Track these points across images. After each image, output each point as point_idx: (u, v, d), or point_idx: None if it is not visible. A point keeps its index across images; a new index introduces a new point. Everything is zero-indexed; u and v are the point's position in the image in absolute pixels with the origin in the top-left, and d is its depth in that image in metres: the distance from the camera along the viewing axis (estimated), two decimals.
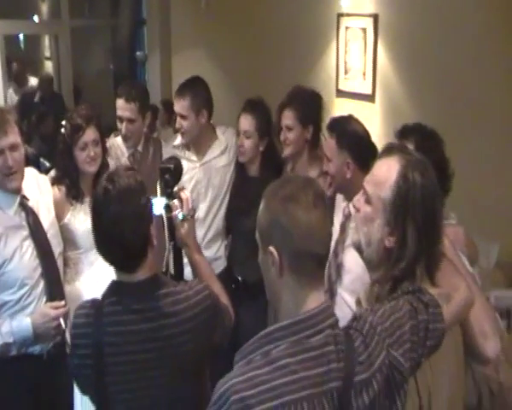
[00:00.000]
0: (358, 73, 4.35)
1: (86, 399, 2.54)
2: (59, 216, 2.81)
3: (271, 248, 1.36)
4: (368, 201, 1.60)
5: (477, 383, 1.85)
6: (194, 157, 3.29)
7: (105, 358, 1.69)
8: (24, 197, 2.56)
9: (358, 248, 1.64)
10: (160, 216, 2.06)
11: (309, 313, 1.34)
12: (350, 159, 2.48)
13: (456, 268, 1.71)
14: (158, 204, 2.01)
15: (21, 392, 2.56)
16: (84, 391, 1.84)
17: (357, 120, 2.65)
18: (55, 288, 2.63)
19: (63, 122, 2.85)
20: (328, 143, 2.57)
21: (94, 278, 2.90)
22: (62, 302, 2.59)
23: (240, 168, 3.25)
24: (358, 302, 1.68)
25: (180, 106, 3.16)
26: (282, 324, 1.34)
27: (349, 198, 2.39)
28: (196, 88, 3.21)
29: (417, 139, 2.11)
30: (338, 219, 2.54)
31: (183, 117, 3.17)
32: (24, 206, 2.55)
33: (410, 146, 2.05)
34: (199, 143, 3.27)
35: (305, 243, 1.34)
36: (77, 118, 2.84)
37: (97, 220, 1.74)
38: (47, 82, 7.81)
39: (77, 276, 2.89)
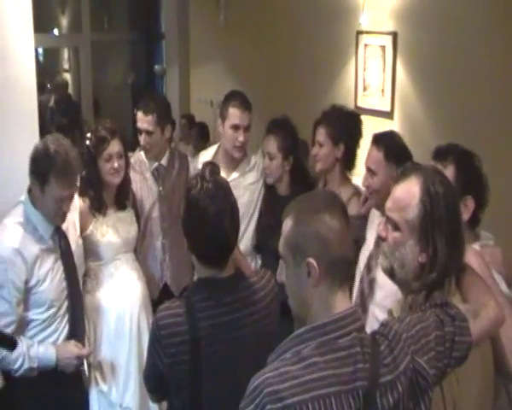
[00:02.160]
0: (377, 90, 4.38)
1: None
2: (82, 228, 2.88)
3: (310, 260, 1.41)
4: (395, 227, 1.64)
5: (511, 400, 1.87)
6: (222, 174, 3.29)
7: (201, 351, 1.80)
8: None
9: (391, 273, 1.68)
10: None
11: (337, 315, 1.42)
12: (396, 170, 2.50)
13: (487, 287, 1.74)
14: None
15: (37, 407, 2.62)
16: (175, 389, 1.89)
17: (399, 135, 2.69)
18: (77, 309, 2.72)
19: (88, 134, 2.91)
20: (375, 156, 2.58)
21: (113, 288, 2.96)
22: (88, 349, 2.71)
23: (269, 187, 3.26)
24: (390, 313, 1.72)
25: (249, 118, 3.18)
26: (313, 325, 1.41)
27: None
28: (250, 102, 3.26)
29: (457, 159, 2.12)
30: (372, 235, 2.55)
31: (248, 129, 3.19)
32: (57, 230, 2.62)
33: (451, 167, 2.08)
34: (232, 158, 3.28)
35: (340, 250, 1.42)
36: (102, 130, 2.90)
37: (199, 217, 1.81)
38: (61, 86, 7.88)
39: (97, 286, 2.95)
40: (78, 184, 2.93)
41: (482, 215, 2.14)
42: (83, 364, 2.69)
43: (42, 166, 2.44)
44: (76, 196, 2.86)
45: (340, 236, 1.42)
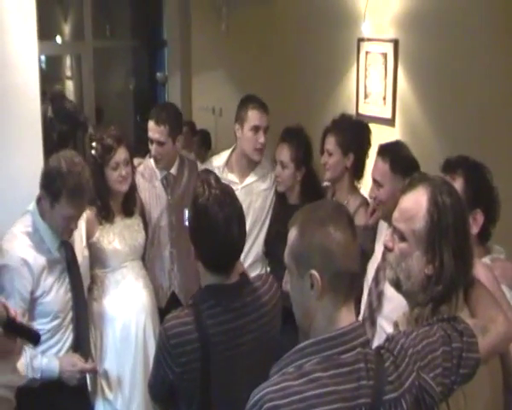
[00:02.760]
0: (378, 98, 4.39)
1: None
2: (88, 234, 2.89)
3: (313, 272, 1.40)
4: (402, 238, 1.62)
5: None
6: (236, 179, 3.29)
7: (211, 357, 1.83)
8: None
9: (397, 285, 1.66)
10: None
11: (341, 330, 1.39)
12: (403, 181, 2.49)
13: (496, 301, 1.70)
14: None
15: None
16: (186, 398, 1.90)
17: (406, 145, 2.67)
18: (81, 320, 2.73)
19: (93, 144, 2.91)
20: (381, 168, 2.56)
21: (120, 296, 2.96)
22: (92, 364, 2.71)
23: (280, 195, 3.27)
24: (396, 326, 1.70)
25: (267, 119, 3.21)
26: (315, 339, 1.39)
27: None
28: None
29: (466, 172, 2.10)
30: (380, 247, 2.52)
31: (266, 130, 3.20)
32: (64, 242, 2.63)
33: (460, 180, 2.07)
34: (246, 164, 3.29)
35: (344, 263, 1.40)
36: (107, 138, 2.90)
37: (208, 224, 1.83)
38: (58, 96, 7.88)
39: (103, 294, 2.96)
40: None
41: (493, 229, 2.11)
42: (86, 379, 2.70)
43: (54, 185, 2.45)
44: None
45: (345, 248, 1.40)
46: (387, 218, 2.39)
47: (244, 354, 1.88)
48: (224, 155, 3.43)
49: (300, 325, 1.50)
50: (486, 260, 2.00)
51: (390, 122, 4.30)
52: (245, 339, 1.88)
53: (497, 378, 1.66)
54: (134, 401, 2.95)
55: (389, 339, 1.47)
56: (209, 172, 2.10)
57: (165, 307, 3.22)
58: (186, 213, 2.03)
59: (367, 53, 4.46)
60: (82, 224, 2.84)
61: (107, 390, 2.91)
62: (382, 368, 1.38)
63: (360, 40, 4.49)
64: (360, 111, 4.54)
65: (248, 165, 3.30)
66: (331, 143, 3.02)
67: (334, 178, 3.07)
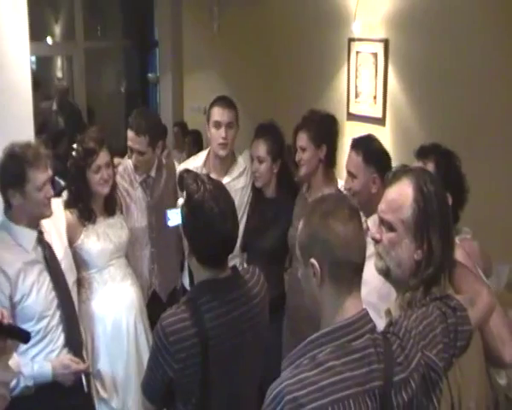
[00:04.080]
0: (369, 97, 4.42)
1: None
2: (72, 239, 2.86)
3: (313, 261, 1.48)
4: (390, 228, 1.69)
5: (495, 390, 1.96)
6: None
7: (210, 350, 1.85)
8: (41, 232, 2.62)
9: (386, 274, 1.73)
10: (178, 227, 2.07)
11: (350, 319, 1.46)
12: (376, 174, 2.60)
13: (477, 276, 1.84)
14: (175, 215, 2.03)
15: None
16: (184, 394, 1.91)
17: (377, 139, 2.78)
18: (70, 318, 2.70)
19: (74, 145, 2.89)
20: (354, 160, 2.66)
21: (108, 295, 2.96)
22: (86, 364, 2.69)
23: (257, 190, 3.33)
24: (388, 313, 1.76)
25: (229, 115, 3.22)
26: (326, 330, 1.46)
27: (368, 214, 2.49)
28: (234, 103, 3.32)
29: (437, 158, 2.26)
30: (373, 220, 2.59)
31: (230, 126, 3.23)
32: (41, 241, 2.61)
33: (430, 165, 2.22)
34: (222, 162, 3.32)
35: (343, 253, 1.46)
36: (89, 141, 2.88)
37: (205, 219, 1.86)
38: (63, 91, 7.88)
39: (92, 295, 2.95)
40: (66, 196, 2.96)
41: (461, 213, 2.25)
42: (81, 378, 2.68)
43: (14, 168, 2.47)
44: (61, 207, 2.86)
45: (344, 240, 1.46)
46: (362, 208, 2.45)
47: (239, 345, 1.91)
48: (202, 155, 3.47)
49: (312, 309, 1.55)
50: (455, 240, 2.08)
51: (380, 121, 4.33)
52: (239, 330, 1.92)
53: (480, 346, 1.79)
54: (129, 398, 2.95)
55: (393, 323, 1.55)
56: (190, 171, 2.13)
57: (146, 305, 3.22)
58: (168, 214, 2.03)
59: (357, 53, 4.50)
60: (60, 223, 2.81)
61: (101, 390, 2.91)
62: (390, 351, 1.46)
63: (351, 40, 4.52)
64: (351, 110, 4.58)
65: (223, 164, 3.33)
66: (303, 139, 3.09)
67: (309, 173, 3.12)
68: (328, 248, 1.46)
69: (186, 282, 3.18)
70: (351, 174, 2.67)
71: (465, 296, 1.70)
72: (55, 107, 7.64)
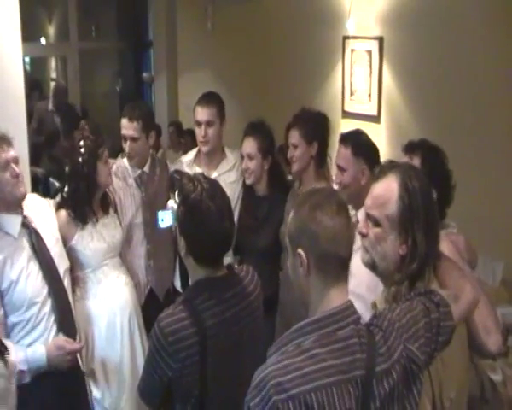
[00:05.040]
0: (364, 95, 4.42)
1: None
2: (66, 239, 2.85)
3: (300, 251, 1.51)
4: (376, 223, 1.72)
5: (479, 374, 2.01)
6: (204, 173, 3.32)
7: (209, 349, 1.86)
8: (26, 217, 2.60)
9: (373, 267, 1.77)
10: (170, 228, 2.07)
11: (335, 309, 1.49)
12: (365, 165, 2.64)
13: (462, 271, 1.86)
14: (167, 216, 2.02)
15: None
16: (183, 395, 1.91)
17: (365, 132, 2.84)
18: (62, 305, 2.67)
19: (81, 142, 2.88)
20: (343, 153, 2.71)
21: (103, 294, 2.96)
22: (80, 343, 2.67)
23: (248, 189, 3.33)
24: (374, 305, 1.79)
25: (208, 113, 3.27)
26: (312, 319, 1.50)
27: (357, 207, 2.51)
28: (218, 99, 3.38)
29: (423, 154, 2.29)
30: (362, 214, 2.61)
31: (210, 124, 3.27)
32: (27, 226, 2.59)
33: (417, 160, 2.26)
34: (211, 157, 3.37)
35: (330, 246, 1.49)
36: (93, 134, 2.90)
37: (202, 218, 1.87)
38: (60, 91, 7.84)
39: (86, 294, 2.94)
40: (60, 197, 2.94)
41: (447, 209, 2.28)
42: (76, 359, 2.65)
43: None
44: (50, 209, 2.84)
45: (332, 233, 1.48)
46: (351, 201, 2.49)
47: (236, 342, 1.92)
48: (194, 151, 3.53)
49: (300, 298, 1.58)
50: (441, 234, 2.09)
51: (375, 119, 4.34)
52: (236, 328, 1.93)
53: (465, 340, 1.82)
54: (122, 398, 2.95)
55: (377, 316, 1.57)
56: (180, 172, 2.13)
57: (143, 303, 3.24)
58: (159, 215, 2.02)
59: (352, 50, 4.50)
60: (53, 222, 2.79)
61: (94, 390, 2.90)
62: (373, 342, 1.49)
63: (345, 38, 4.53)
64: (346, 108, 4.58)
65: (213, 159, 3.38)
66: (295, 136, 3.11)
67: (301, 170, 3.14)
68: (315, 240, 1.49)
69: (178, 284, 3.19)
70: (340, 168, 2.71)
71: (449, 292, 1.72)
72: (51, 106, 7.60)
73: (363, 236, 1.76)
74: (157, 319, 1.89)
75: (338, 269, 1.52)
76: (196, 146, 3.72)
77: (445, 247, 1.87)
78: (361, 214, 2.41)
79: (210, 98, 3.34)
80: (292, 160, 3.13)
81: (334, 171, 2.93)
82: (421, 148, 2.34)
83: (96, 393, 2.90)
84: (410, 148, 2.36)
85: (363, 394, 1.44)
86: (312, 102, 4.58)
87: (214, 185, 1.96)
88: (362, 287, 2.17)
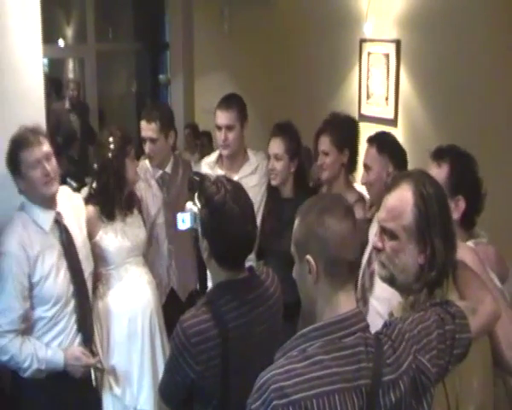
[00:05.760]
0: (381, 98, 4.40)
1: None
2: (91, 234, 2.89)
3: (309, 257, 1.48)
4: (392, 236, 1.68)
5: (509, 392, 1.92)
6: (226, 175, 3.33)
7: (231, 351, 1.86)
8: (59, 214, 2.65)
9: (391, 281, 1.72)
10: (192, 229, 2.05)
11: (342, 315, 1.46)
12: (390, 163, 2.64)
13: (483, 282, 1.79)
14: (187, 218, 2.02)
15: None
16: (205, 397, 1.91)
17: (392, 134, 2.85)
18: (84, 307, 2.73)
19: (110, 139, 2.90)
20: (369, 152, 2.72)
21: (124, 292, 2.98)
22: (96, 358, 2.73)
23: (273, 191, 3.29)
24: (391, 315, 1.76)
25: (228, 117, 3.25)
26: (318, 325, 1.46)
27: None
28: (239, 101, 3.35)
29: (451, 160, 2.19)
30: (373, 230, 2.57)
31: (230, 128, 3.26)
32: (59, 223, 2.64)
33: (445, 167, 2.17)
34: (232, 160, 3.35)
35: (338, 251, 1.47)
36: (118, 131, 2.93)
37: (226, 221, 1.87)
38: (77, 85, 7.88)
39: (108, 291, 2.97)
40: (86, 192, 2.98)
41: (477, 218, 2.20)
42: (90, 372, 2.72)
43: (9, 155, 2.54)
44: (82, 204, 2.89)
45: (340, 238, 1.47)
46: (376, 201, 2.49)
47: (257, 344, 1.92)
48: (216, 152, 3.52)
49: (306, 306, 1.56)
50: (470, 243, 2.09)
51: (392, 123, 4.31)
52: (258, 330, 1.93)
53: (487, 356, 1.75)
54: (142, 395, 2.97)
55: (387, 325, 1.53)
56: (200, 174, 2.13)
57: (164, 303, 3.26)
58: (178, 216, 2.02)
59: (369, 54, 4.48)
60: (81, 213, 2.84)
61: (115, 386, 2.92)
62: (381, 351, 1.45)
63: (362, 41, 4.51)
64: (362, 112, 4.56)
65: (235, 161, 3.37)
66: (325, 143, 3.06)
67: (331, 178, 3.09)
68: (323, 245, 1.47)
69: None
70: (366, 167, 2.71)
71: (467, 304, 1.67)
72: (67, 105, 7.66)
73: (379, 250, 1.71)
74: (179, 320, 1.88)
75: (346, 273, 1.49)
76: (212, 148, 3.75)
77: (467, 257, 1.82)
78: (374, 228, 2.37)
79: (230, 101, 3.32)
80: (322, 167, 3.07)
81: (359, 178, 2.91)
82: (449, 154, 2.24)
83: (116, 390, 2.92)
84: (438, 154, 2.26)
85: (367, 404, 1.41)
86: (328, 105, 4.59)
87: (237, 188, 1.96)
88: (388, 291, 2.14)
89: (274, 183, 3.23)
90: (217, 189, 1.89)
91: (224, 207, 1.86)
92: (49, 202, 2.62)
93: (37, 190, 2.56)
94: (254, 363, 1.86)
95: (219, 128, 3.28)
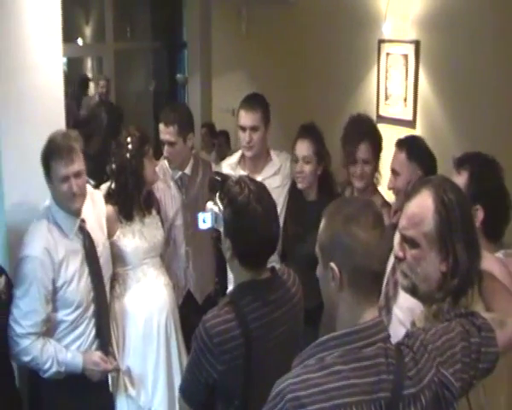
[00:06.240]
0: (399, 99, 4.37)
1: None
2: (109, 233, 2.91)
3: (332, 265, 1.44)
4: (413, 244, 1.64)
5: None
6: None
7: (253, 351, 1.86)
8: (82, 221, 2.67)
9: (413, 291, 1.68)
10: (213, 229, 2.05)
11: (363, 325, 1.42)
12: (420, 170, 2.59)
13: (511, 295, 1.73)
14: (208, 218, 2.02)
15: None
16: (226, 397, 1.92)
17: (422, 138, 2.79)
18: (103, 312, 2.77)
19: (128, 139, 2.91)
20: (398, 157, 2.67)
21: (141, 293, 2.99)
22: (114, 364, 2.75)
23: (295, 193, 3.24)
24: (413, 324, 1.72)
25: (253, 118, 3.21)
26: (337, 333, 1.43)
27: None
28: (263, 102, 3.31)
29: (472, 168, 2.13)
30: (397, 237, 2.55)
31: (254, 129, 3.22)
32: (82, 229, 2.66)
33: (464, 175, 2.11)
34: (255, 161, 3.32)
35: (364, 261, 1.42)
36: (136, 131, 2.95)
37: (250, 221, 1.87)
38: (107, 82, 7.92)
39: (125, 291, 2.98)
40: (105, 191, 2.99)
41: (505, 228, 2.12)
42: (107, 377, 2.75)
43: (43, 157, 2.56)
44: (103, 202, 2.90)
45: (367, 247, 1.42)
46: (402, 207, 2.40)
47: (278, 345, 1.93)
48: (238, 153, 3.47)
49: (328, 309, 1.53)
50: (499, 254, 2.02)
51: (411, 124, 4.27)
52: (280, 331, 1.93)
53: None
54: (157, 397, 2.98)
55: (409, 335, 1.48)
56: (221, 174, 2.13)
57: (181, 305, 3.25)
58: (199, 216, 2.03)
59: (388, 54, 4.45)
60: (102, 218, 2.86)
61: (129, 387, 2.94)
62: (402, 363, 1.40)
63: (381, 41, 4.48)
64: (380, 113, 4.53)
65: (257, 162, 3.33)
66: (367, 151, 2.99)
67: (367, 186, 3.03)
68: (349, 254, 1.42)
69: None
70: (394, 172, 2.66)
71: (494, 316, 1.61)
72: (97, 98, 7.72)
73: (400, 260, 1.67)
74: (202, 320, 1.88)
75: (370, 284, 1.45)
76: (229, 147, 3.74)
77: (495, 268, 1.77)
78: (396, 240, 2.37)
79: (255, 102, 3.28)
80: (362, 176, 3.01)
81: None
82: (470, 162, 2.17)
83: (131, 390, 2.93)
84: (459, 161, 2.20)
85: None
86: (346, 106, 4.57)
87: (261, 188, 1.96)
88: (410, 301, 2.07)
89: (301, 186, 3.18)
90: (240, 189, 1.89)
91: (247, 207, 1.87)
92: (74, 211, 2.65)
93: (64, 203, 2.60)
94: (276, 363, 1.85)
95: (243, 129, 3.24)
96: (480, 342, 1.51)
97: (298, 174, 3.16)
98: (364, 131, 3.06)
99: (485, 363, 1.52)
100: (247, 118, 3.22)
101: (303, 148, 3.15)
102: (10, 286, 2.57)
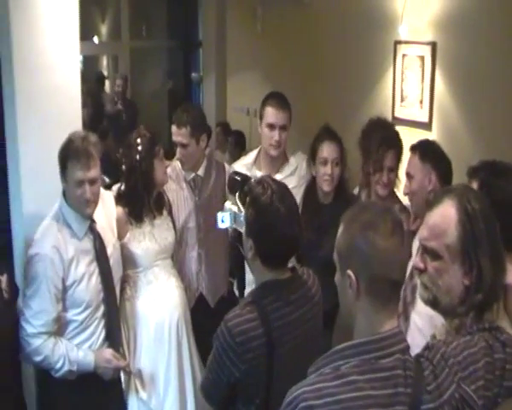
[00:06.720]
0: (415, 101, 4.34)
1: None
2: (119, 234, 2.90)
3: (350, 272, 1.41)
4: (435, 256, 1.58)
5: None
6: None
7: (275, 351, 1.87)
8: (93, 221, 2.68)
9: (434, 304, 1.62)
10: (232, 229, 2.05)
11: (381, 335, 1.38)
12: (433, 171, 2.57)
13: None
14: (226, 217, 2.02)
15: None
16: (248, 396, 1.92)
17: (436, 142, 2.79)
18: (113, 313, 2.77)
19: (138, 140, 2.90)
20: (411, 160, 2.66)
21: (152, 296, 2.98)
22: (126, 362, 2.75)
23: (311, 195, 3.19)
24: (434, 338, 1.67)
25: (284, 117, 3.17)
26: (354, 342, 1.39)
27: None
28: (287, 101, 3.26)
29: (483, 177, 2.07)
30: (416, 244, 2.50)
31: (284, 128, 3.19)
32: (92, 230, 2.67)
33: (475, 185, 2.03)
34: (273, 161, 3.28)
35: (382, 269, 1.38)
36: (145, 132, 2.94)
37: (272, 221, 1.88)
38: (125, 80, 7.96)
39: (136, 294, 2.97)
40: (116, 191, 3.00)
41: None
42: (119, 374, 2.75)
43: (61, 155, 2.56)
44: (113, 203, 2.90)
45: (385, 255, 1.38)
46: (419, 211, 2.41)
47: (299, 344, 1.93)
48: (253, 153, 3.44)
49: (345, 316, 1.49)
50: None
51: (427, 126, 4.25)
52: (300, 330, 1.94)
53: None
54: (168, 400, 2.96)
55: (429, 347, 1.45)
56: (240, 173, 2.12)
57: (192, 307, 3.23)
58: (218, 215, 2.02)
59: (404, 56, 4.42)
60: (113, 218, 2.86)
61: (141, 390, 2.93)
62: (421, 377, 1.36)
63: (397, 43, 4.45)
64: (396, 114, 4.50)
65: (274, 162, 3.29)
66: (394, 159, 3.00)
67: (390, 193, 3.02)
68: (366, 262, 1.38)
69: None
70: (408, 175, 2.65)
71: None
72: (116, 98, 7.78)
73: (421, 271, 1.61)
74: (224, 319, 1.89)
75: (389, 293, 1.40)
76: (244, 147, 3.70)
77: None
78: (415, 247, 2.25)
79: (284, 101, 3.23)
80: (388, 184, 3.01)
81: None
82: (481, 171, 2.09)
83: (142, 393, 2.92)
84: (471, 170, 2.13)
85: None
86: (362, 107, 4.55)
87: (283, 188, 1.96)
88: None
89: (328, 189, 3.12)
90: (263, 189, 1.90)
91: (270, 207, 1.87)
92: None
93: (76, 206, 2.61)
94: (297, 362, 1.85)
95: (272, 127, 3.17)
96: (504, 359, 1.45)
97: (327, 176, 3.10)
98: (392, 138, 3.04)
99: (511, 381, 1.46)
100: (278, 116, 3.16)
101: (333, 150, 3.10)
102: (14, 285, 2.59)
